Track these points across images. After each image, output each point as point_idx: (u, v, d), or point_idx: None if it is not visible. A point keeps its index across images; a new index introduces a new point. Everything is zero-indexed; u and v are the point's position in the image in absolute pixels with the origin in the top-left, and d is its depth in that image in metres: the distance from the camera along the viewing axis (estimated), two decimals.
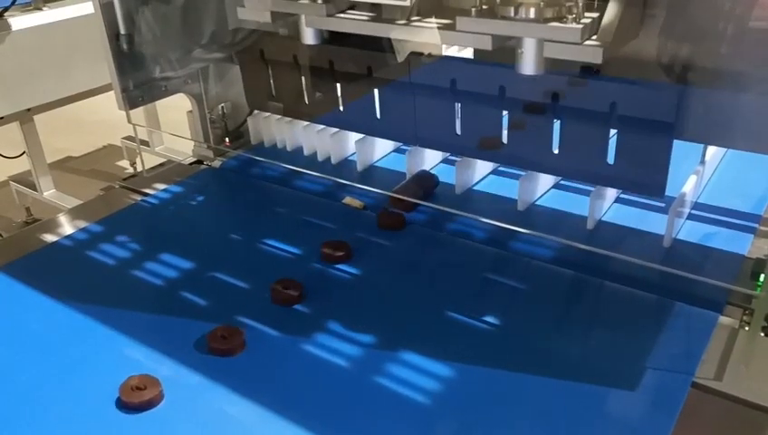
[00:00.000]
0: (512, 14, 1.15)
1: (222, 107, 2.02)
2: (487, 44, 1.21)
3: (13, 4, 2.66)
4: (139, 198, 1.83)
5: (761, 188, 1.65)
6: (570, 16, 1.13)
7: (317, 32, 1.52)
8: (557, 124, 1.45)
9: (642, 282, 1.38)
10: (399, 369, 1.21)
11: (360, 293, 1.43)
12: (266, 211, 1.77)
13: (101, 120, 4.41)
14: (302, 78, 1.78)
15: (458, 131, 1.58)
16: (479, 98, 1.51)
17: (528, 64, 1.20)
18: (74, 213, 1.77)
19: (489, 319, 1.33)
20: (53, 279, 1.49)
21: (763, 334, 1.23)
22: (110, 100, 3.10)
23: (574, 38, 1.12)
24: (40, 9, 2.82)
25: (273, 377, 1.21)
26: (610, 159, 1.41)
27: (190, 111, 2.01)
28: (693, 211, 1.59)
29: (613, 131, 1.40)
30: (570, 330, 1.31)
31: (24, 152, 3.14)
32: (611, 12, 1.14)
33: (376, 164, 1.93)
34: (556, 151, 1.47)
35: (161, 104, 2.26)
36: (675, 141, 1.32)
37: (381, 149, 1.96)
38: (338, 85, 1.74)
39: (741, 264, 1.41)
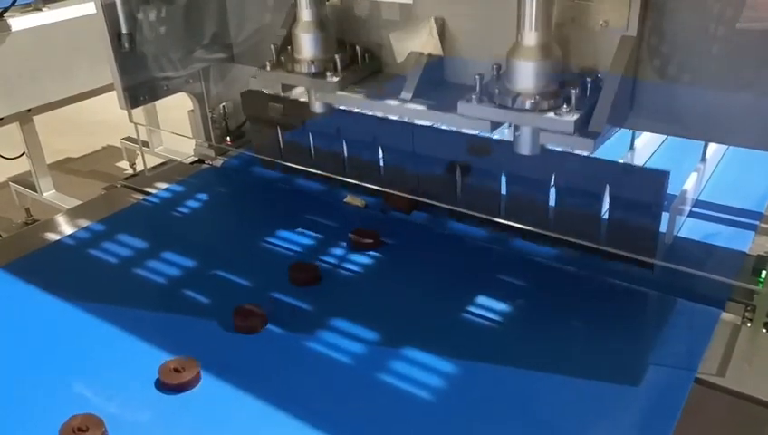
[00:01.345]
0: (509, 103, 1.20)
1: (223, 106, 2.03)
2: (487, 128, 1.27)
3: (13, 4, 2.66)
4: (141, 197, 1.83)
5: (761, 186, 1.66)
6: (565, 107, 1.16)
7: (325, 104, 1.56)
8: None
9: (644, 279, 1.38)
10: (404, 366, 1.21)
11: (363, 290, 1.44)
12: (268, 209, 1.78)
13: (100, 121, 4.41)
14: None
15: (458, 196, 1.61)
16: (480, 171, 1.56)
17: (524, 146, 1.25)
18: (76, 212, 1.78)
19: (491, 316, 1.33)
20: (56, 277, 1.49)
21: (765, 330, 1.24)
22: (108, 100, 3.11)
23: (567, 129, 1.16)
24: (40, 10, 2.82)
25: (271, 375, 1.21)
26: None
27: (192, 111, 2.01)
28: (694, 209, 1.59)
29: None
30: (571, 328, 1.31)
31: (23, 153, 3.14)
32: (603, 102, 1.17)
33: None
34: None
35: (161, 105, 2.26)
36: (675, 139, 1.33)
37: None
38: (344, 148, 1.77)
39: (742, 261, 1.42)
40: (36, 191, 3.19)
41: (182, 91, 1.91)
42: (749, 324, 1.26)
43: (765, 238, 1.48)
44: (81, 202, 1.97)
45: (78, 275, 1.51)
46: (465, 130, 1.48)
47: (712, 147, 1.64)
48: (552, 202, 1.48)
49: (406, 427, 1.10)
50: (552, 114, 1.17)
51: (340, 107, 1.57)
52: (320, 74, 1.46)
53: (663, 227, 1.47)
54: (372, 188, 1.71)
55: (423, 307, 1.37)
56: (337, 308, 1.36)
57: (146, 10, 1.71)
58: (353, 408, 1.13)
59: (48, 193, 3.19)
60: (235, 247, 1.61)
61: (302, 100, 1.82)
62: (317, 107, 1.54)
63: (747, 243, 1.47)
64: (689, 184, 1.53)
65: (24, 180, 3.27)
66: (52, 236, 1.65)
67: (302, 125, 1.81)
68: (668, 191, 1.38)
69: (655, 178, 1.33)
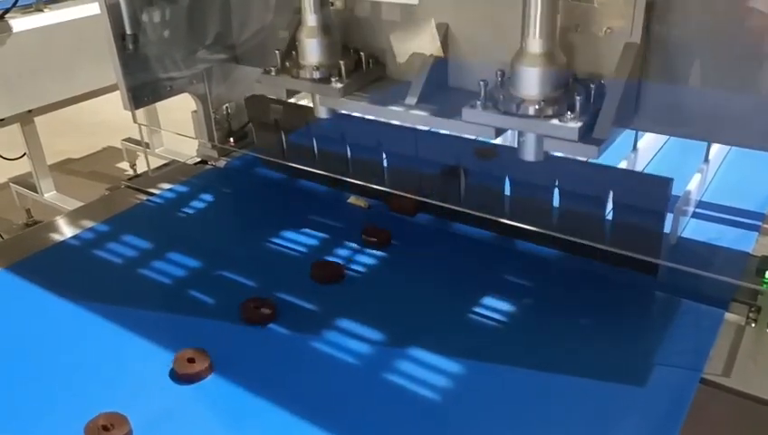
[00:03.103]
0: (514, 110, 1.20)
1: (226, 107, 2.03)
2: (491, 135, 1.28)
3: (14, 5, 2.67)
4: (144, 197, 1.84)
5: (765, 187, 1.67)
6: (569, 114, 1.16)
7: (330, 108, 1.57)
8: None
9: (649, 281, 1.39)
10: (406, 364, 1.22)
11: (369, 288, 1.44)
12: (272, 210, 1.78)
13: (101, 122, 4.41)
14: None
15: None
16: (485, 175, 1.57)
17: (529, 153, 1.25)
18: (80, 213, 1.78)
19: (497, 316, 1.34)
20: (61, 278, 1.49)
21: None
22: (109, 102, 3.13)
23: (572, 136, 1.16)
24: (41, 11, 2.82)
25: (274, 377, 1.22)
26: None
27: (195, 111, 2.01)
28: (697, 210, 1.60)
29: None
30: (577, 328, 1.31)
31: (24, 154, 3.15)
32: (607, 108, 1.17)
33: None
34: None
35: (161, 106, 2.26)
36: (677, 139, 1.34)
37: None
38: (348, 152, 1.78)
39: (746, 261, 1.42)
40: (37, 192, 3.19)
41: (185, 92, 1.91)
42: (753, 325, 1.27)
43: None
44: (82, 203, 1.97)
45: (84, 275, 1.52)
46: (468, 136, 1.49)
47: (715, 148, 1.65)
48: (555, 206, 1.49)
49: (410, 423, 1.11)
50: (556, 121, 1.17)
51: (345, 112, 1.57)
52: (324, 80, 1.46)
53: (667, 229, 1.49)
54: (375, 190, 1.71)
55: (431, 307, 1.38)
56: (348, 307, 1.37)
57: (150, 11, 1.71)
58: (362, 405, 1.14)
59: (49, 194, 3.20)
60: (240, 247, 1.62)
61: (306, 105, 1.83)
62: (322, 112, 1.54)
63: (751, 244, 1.47)
64: (693, 185, 1.53)
65: (25, 181, 3.28)
66: (57, 237, 1.65)
67: (307, 129, 1.81)
68: (672, 192, 1.40)
69: (659, 185, 1.33)
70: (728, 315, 1.29)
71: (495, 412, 1.12)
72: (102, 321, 1.35)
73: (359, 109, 1.50)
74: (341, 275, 1.47)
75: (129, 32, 1.67)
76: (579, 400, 1.13)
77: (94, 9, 2.79)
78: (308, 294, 1.41)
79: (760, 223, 1.53)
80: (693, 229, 1.54)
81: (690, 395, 1.11)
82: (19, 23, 2.65)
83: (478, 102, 1.23)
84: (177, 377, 1.19)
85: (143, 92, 1.76)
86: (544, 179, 1.47)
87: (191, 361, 1.20)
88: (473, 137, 1.43)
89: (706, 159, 1.62)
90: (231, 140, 2.05)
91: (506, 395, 1.15)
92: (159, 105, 2.11)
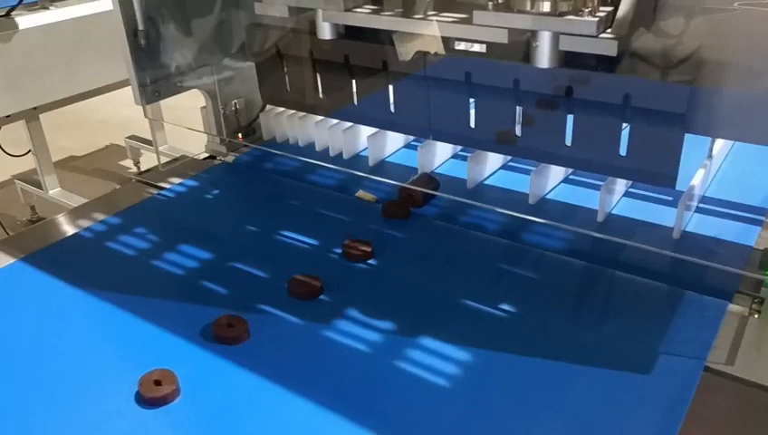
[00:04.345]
0: (528, 8, 1.19)
1: (235, 103, 2.05)
2: (503, 38, 1.25)
3: (20, 3, 2.69)
4: (155, 191, 1.86)
5: (767, 182, 1.69)
6: (585, 9, 1.16)
7: (333, 27, 1.55)
8: (570, 118, 1.48)
9: (653, 272, 1.41)
10: (417, 353, 1.24)
11: (376, 282, 1.47)
12: (281, 204, 1.81)
13: (104, 120, 4.44)
14: (317, 73, 1.81)
15: (472, 125, 1.61)
16: (493, 91, 1.54)
17: (543, 58, 1.24)
18: (93, 206, 1.80)
19: (504, 307, 1.36)
20: (76, 268, 1.52)
21: None
22: (107, 100, 3.14)
23: (590, 31, 1.16)
24: (47, 8, 2.84)
25: (290, 362, 1.24)
26: (623, 150, 1.44)
27: (204, 107, 2.04)
28: (701, 205, 1.63)
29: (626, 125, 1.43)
30: (583, 318, 1.34)
31: (29, 151, 3.16)
32: (626, 4, 1.17)
33: (387, 159, 1.96)
34: (569, 144, 1.50)
35: (164, 104, 2.28)
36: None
37: (393, 144, 1.99)
38: (353, 80, 1.76)
39: (749, 255, 1.45)
40: (42, 189, 3.21)
41: (195, 88, 1.94)
42: (756, 316, 1.29)
43: None
44: (86, 200, 1.99)
45: (97, 266, 1.54)
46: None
47: (718, 143, 1.67)
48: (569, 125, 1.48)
49: (423, 406, 1.13)
50: (572, 17, 1.16)
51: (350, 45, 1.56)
52: None
53: (671, 222, 1.52)
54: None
55: (437, 297, 1.40)
56: (344, 306, 1.38)
57: (161, 7, 1.74)
58: (367, 394, 1.17)
59: (53, 191, 3.21)
60: (251, 239, 1.64)
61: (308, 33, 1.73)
62: (325, 31, 1.52)
63: (754, 237, 1.50)
64: (696, 180, 1.56)
65: (30, 178, 3.29)
66: (71, 229, 1.68)
67: (310, 60, 1.79)
68: (677, 188, 1.42)
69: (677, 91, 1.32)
70: (732, 307, 1.31)
71: (499, 397, 1.14)
72: (112, 309, 1.38)
73: (363, 20, 1.47)
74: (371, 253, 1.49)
75: (141, 27, 1.69)
76: (586, 387, 1.15)
77: (99, 7, 2.84)
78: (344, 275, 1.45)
79: (763, 217, 1.56)
80: (697, 223, 1.56)
81: (695, 382, 1.14)
82: (25, 20, 2.66)
83: (490, 3, 1.22)
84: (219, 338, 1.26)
85: (154, 88, 1.79)
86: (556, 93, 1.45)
87: (231, 324, 1.26)
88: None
89: (710, 155, 1.65)
90: (239, 135, 2.07)
91: (514, 382, 1.17)
92: (163, 103, 2.12)
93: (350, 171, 1.79)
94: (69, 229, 1.68)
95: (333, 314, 1.34)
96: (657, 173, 1.41)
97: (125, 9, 1.67)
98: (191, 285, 1.47)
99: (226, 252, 1.56)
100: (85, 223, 1.70)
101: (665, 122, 1.34)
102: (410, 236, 1.62)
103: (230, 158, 2.04)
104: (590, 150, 1.47)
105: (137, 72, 1.74)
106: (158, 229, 1.67)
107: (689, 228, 1.55)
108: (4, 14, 2.63)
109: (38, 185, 3.22)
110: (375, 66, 1.67)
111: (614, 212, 1.63)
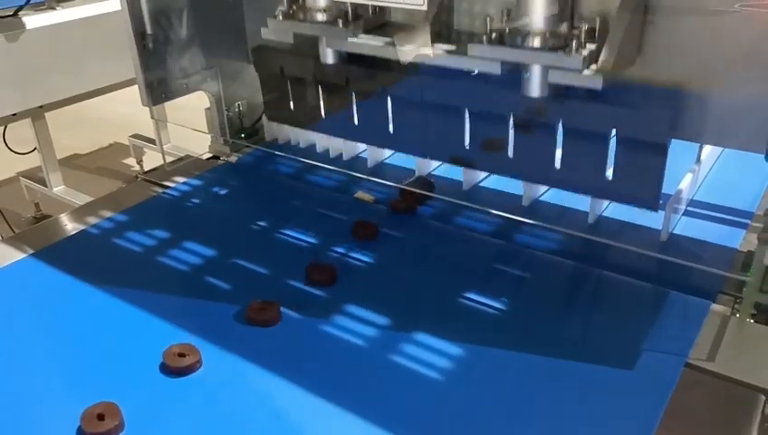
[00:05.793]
0: (519, 43, 1.26)
1: (238, 105, 2.10)
2: (496, 69, 1.33)
3: (27, 3, 2.74)
4: (160, 190, 1.91)
5: (754, 187, 1.74)
6: (573, 45, 1.23)
7: (335, 52, 1.61)
8: (559, 143, 1.55)
9: (640, 272, 1.46)
10: (410, 348, 1.29)
11: (376, 279, 1.51)
12: (282, 203, 1.85)
13: (107, 119, 4.48)
14: (319, 94, 1.88)
15: (467, 146, 1.68)
16: (487, 116, 1.62)
17: (533, 88, 1.32)
18: (100, 204, 1.84)
19: (495, 304, 1.40)
20: (83, 265, 1.56)
21: (751, 320, 1.32)
22: (109, 100, 3.18)
23: (575, 66, 1.23)
24: (53, 8, 2.89)
25: (297, 354, 1.29)
26: (609, 175, 1.51)
27: (208, 108, 2.09)
28: (689, 208, 1.67)
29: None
30: (571, 316, 1.39)
31: (34, 149, 3.21)
32: (611, 41, 1.24)
33: (386, 161, 2.01)
34: (558, 167, 1.57)
35: (168, 105, 2.33)
36: (672, 140, 1.42)
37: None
38: (353, 102, 1.83)
39: (733, 257, 1.49)
40: (46, 186, 3.26)
41: (200, 90, 1.99)
42: (737, 316, 1.34)
43: (755, 236, 1.56)
44: (90, 198, 2.04)
45: (103, 262, 1.59)
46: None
47: (707, 149, 1.72)
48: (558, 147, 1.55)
49: (418, 398, 1.17)
50: (561, 52, 1.23)
51: (350, 69, 1.62)
52: (332, 23, 1.51)
53: (659, 225, 1.57)
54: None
55: (433, 294, 1.45)
56: (356, 298, 1.43)
57: (168, 11, 1.79)
58: (364, 386, 1.21)
59: (58, 188, 3.26)
60: (253, 238, 1.69)
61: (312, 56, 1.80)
62: (328, 57, 1.59)
63: (738, 240, 1.54)
64: (684, 184, 1.61)
65: (34, 175, 3.34)
66: (78, 226, 1.73)
67: (313, 82, 1.85)
68: (664, 191, 1.48)
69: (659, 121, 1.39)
70: (715, 306, 1.36)
71: (493, 392, 1.19)
72: (120, 304, 1.42)
73: (365, 48, 1.54)
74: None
75: (149, 31, 1.74)
76: (570, 381, 1.20)
77: (105, 7, 2.89)
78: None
79: (748, 221, 1.61)
80: (684, 226, 1.61)
81: (676, 377, 1.19)
82: (32, 20, 2.71)
83: (484, 37, 1.28)
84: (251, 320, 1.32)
85: (161, 89, 1.84)
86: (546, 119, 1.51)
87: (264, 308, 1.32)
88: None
89: (698, 160, 1.70)
90: (242, 136, 2.12)
91: (503, 376, 1.22)
92: (167, 104, 2.18)
93: (350, 173, 1.84)
94: (76, 226, 1.72)
95: (337, 309, 1.39)
96: (640, 197, 1.50)
97: (133, 12, 1.72)
98: (193, 280, 1.51)
99: (231, 249, 1.61)
100: (92, 220, 1.74)
101: (647, 150, 1.42)
102: (407, 235, 1.67)
103: (233, 158, 2.09)
104: (578, 174, 1.55)
105: (144, 74, 1.79)
106: (164, 227, 1.70)
107: (677, 231, 1.59)
108: (11, 13, 2.68)
109: (43, 182, 3.27)
110: (373, 89, 1.76)
111: (605, 214, 1.68)
